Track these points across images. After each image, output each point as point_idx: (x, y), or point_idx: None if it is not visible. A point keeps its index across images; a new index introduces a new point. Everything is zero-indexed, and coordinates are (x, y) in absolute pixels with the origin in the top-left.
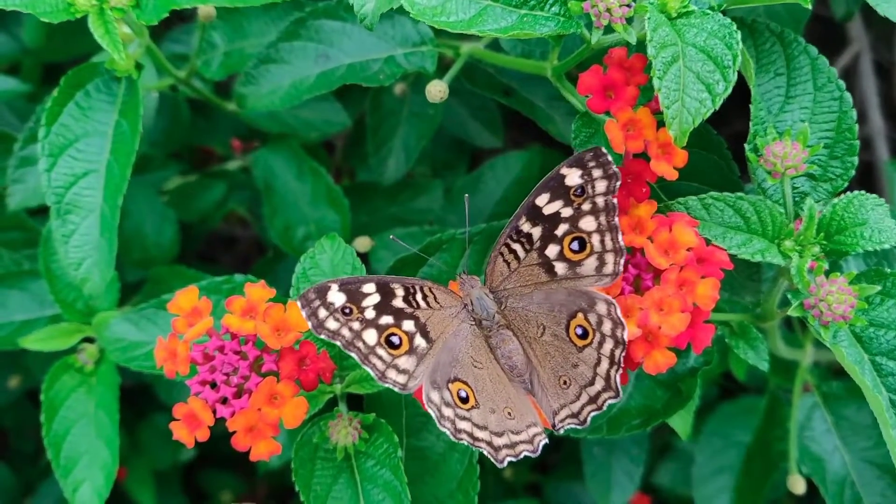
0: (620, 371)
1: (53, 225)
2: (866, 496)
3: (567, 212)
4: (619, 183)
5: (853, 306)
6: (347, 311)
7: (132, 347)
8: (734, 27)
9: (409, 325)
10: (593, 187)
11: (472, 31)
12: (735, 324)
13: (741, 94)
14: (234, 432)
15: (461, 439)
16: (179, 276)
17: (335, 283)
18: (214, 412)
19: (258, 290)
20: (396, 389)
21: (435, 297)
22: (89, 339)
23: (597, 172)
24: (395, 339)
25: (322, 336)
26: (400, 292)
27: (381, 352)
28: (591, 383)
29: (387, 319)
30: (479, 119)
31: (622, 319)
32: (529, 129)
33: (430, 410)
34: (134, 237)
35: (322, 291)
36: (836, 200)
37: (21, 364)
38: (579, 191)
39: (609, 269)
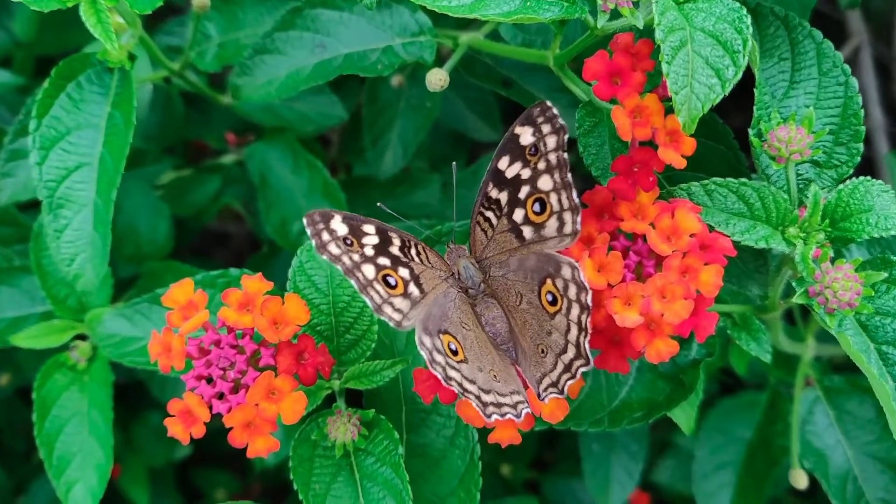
0: (588, 337)
1: (45, 220)
2: (869, 491)
3: (526, 173)
4: (567, 136)
5: (859, 293)
6: (349, 242)
7: (126, 343)
8: (743, 11)
9: (404, 272)
10: (545, 144)
11: (474, 16)
12: (737, 315)
13: (738, 87)
14: (231, 428)
15: (451, 386)
16: (173, 272)
17: (339, 214)
18: (210, 408)
19: (255, 283)
20: (391, 325)
21: (427, 257)
22: (81, 337)
23: (546, 128)
24: (391, 280)
25: (324, 257)
26: (397, 242)
27: (378, 287)
28: (564, 351)
29: (384, 261)
30: (477, 112)
31: (585, 283)
32: None
33: (422, 353)
34: (127, 232)
35: (326, 217)
36: (841, 186)
37: (12, 361)
38: (533, 150)
39: (568, 228)
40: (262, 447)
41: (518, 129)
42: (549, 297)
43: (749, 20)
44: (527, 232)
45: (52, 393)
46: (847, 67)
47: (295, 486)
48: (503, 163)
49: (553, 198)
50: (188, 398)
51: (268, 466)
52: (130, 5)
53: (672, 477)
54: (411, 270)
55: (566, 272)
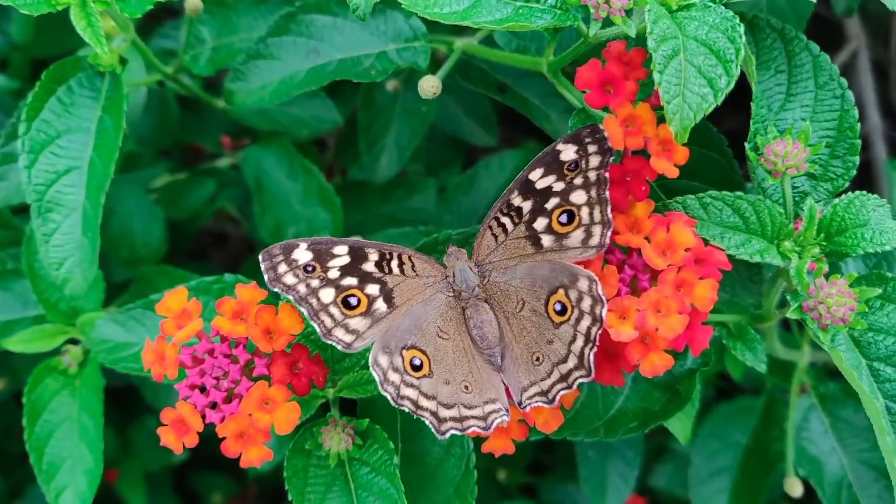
0: (595, 349)
1: (34, 224)
2: (863, 498)
3: (559, 186)
4: (612, 157)
5: (853, 309)
6: (310, 268)
7: (119, 349)
8: (737, 20)
9: (372, 288)
10: (587, 162)
11: (467, 23)
12: (732, 325)
13: (733, 91)
14: (224, 438)
15: (402, 405)
16: (167, 276)
17: (304, 242)
18: (203, 417)
19: (249, 292)
20: (339, 347)
21: (413, 266)
22: (74, 341)
23: (592, 147)
24: (352, 300)
25: (276, 289)
26: (374, 257)
27: (333, 310)
28: (564, 361)
29: (350, 281)
30: (473, 116)
31: (602, 297)
32: (524, 127)
33: (374, 373)
34: (121, 236)
35: (288, 248)
36: (836, 201)
37: (8, 365)
38: (573, 165)
39: (595, 240)
40: (255, 457)
41: (560, 146)
42: (558, 307)
43: (742, 29)
44: (546, 241)
45: (43, 397)
46: (843, 80)
47: (290, 497)
48: (535, 174)
49: (584, 211)
50: (181, 407)
51: (263, 471)
52: (121, 9)
53: (669, 482)
54: (383, 286)
55: (583, 284)
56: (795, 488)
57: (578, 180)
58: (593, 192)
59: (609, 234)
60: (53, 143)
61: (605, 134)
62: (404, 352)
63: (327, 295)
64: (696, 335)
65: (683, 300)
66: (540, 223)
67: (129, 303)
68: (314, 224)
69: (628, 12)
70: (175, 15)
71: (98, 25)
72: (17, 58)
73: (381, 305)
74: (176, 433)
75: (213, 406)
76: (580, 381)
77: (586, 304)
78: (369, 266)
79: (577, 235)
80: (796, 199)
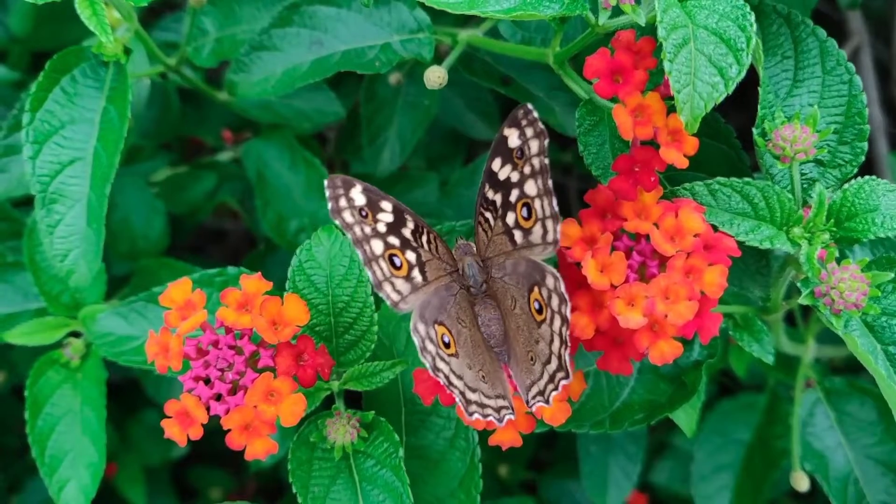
0: (569, 350)
1: (38, 215)
2: (870, 493)
3: (515, 176)
4: (547, 141)
5: (866, 294)
6: (364, 213)
7: (121, 342)
8: (747, 8)
9: (411, 255)
10: (529, 148)
11: (474, 12)
12: (739, 316)
13: (738, 86)
14: (229, 430)
15: (438, 376)
16: (168, 269)
17: (360, 184)
18: (208, 409)
19: (254, 283)
20: (388, 303)
21: (437, 248)
22: (75, 334)
23: (529, 131)
24: (396, 261)
25: (336, 221)
26: (410, 225)
27: (382, 264)
28: (549, 361)
29: (393, 240)
30: (476, 110)
31: (566, 295)
32: None
33: (414, 338)
34: (122, 229)
35: (348, 184)
36: (846, 186)
37: (7, 359)
38: (520, 153)
39: (550, 237)
40: (260, 449)
41: (506, 132)
42: (536, 306)
43: (752, 18)
44: (517, 236)
45: (45, 390)
46: (851, 66)
47: (294, 489)
48: (496, 164)
49: (538, 203)
50: (186, 399)
51: (263, 466)
52: None
53: (670, 478)
54: (419, 256)
55: (549, 282)
56: (802, 483)
57: (527, 169)
58: (540, 182)
59: (559, 228)
60: (57, 133)
61: (536, 114)
62: (436, 326)
63: (377, 247)
64: (705, 322)
65: (693, 286)
66: (510, 218)
67: (131, 296)
68: (317, 218)
69: (638, 1)
70: (175, 9)
71: (103, 14)
72: (17, 50)
73: (416, 275)
74: (180, 425)
75: (218, 398)
76: (563, 382)
77: (555, 302)
78: (407, 232)
79: (537, 230)
80: (804, 185)
